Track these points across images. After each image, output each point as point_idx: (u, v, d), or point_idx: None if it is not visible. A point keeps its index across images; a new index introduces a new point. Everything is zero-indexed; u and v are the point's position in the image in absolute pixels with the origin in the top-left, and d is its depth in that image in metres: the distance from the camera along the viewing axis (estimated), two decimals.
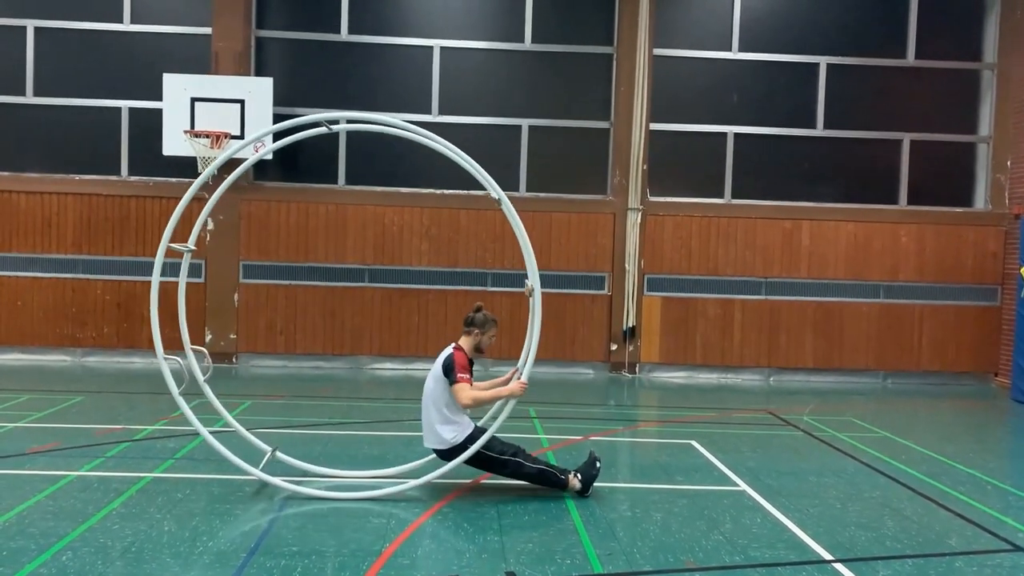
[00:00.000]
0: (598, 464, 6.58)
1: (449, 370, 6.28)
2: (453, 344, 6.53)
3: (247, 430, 6.94)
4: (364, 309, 12.93)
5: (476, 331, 6.52)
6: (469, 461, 6.31)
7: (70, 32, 12.85)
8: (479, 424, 6.56)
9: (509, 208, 6.46)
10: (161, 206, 12.81)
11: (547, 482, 6.46)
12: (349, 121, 7.22)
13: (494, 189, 6.45)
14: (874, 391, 12.78)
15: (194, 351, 6.62)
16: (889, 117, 13.46)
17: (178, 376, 6.39)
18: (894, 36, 13.41)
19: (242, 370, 12.66)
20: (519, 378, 6.51)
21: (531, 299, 6.53)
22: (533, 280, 6.46)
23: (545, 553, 5.26)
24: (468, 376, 6.27)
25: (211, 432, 6.68)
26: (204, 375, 6.52)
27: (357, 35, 13.07)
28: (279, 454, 6.75)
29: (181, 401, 6.30)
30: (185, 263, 6.70)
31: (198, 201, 12.87)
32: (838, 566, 5.21)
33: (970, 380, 13.33)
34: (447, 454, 6.37)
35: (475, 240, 12.97)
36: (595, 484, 6.52)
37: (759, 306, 13.19)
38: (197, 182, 6.53)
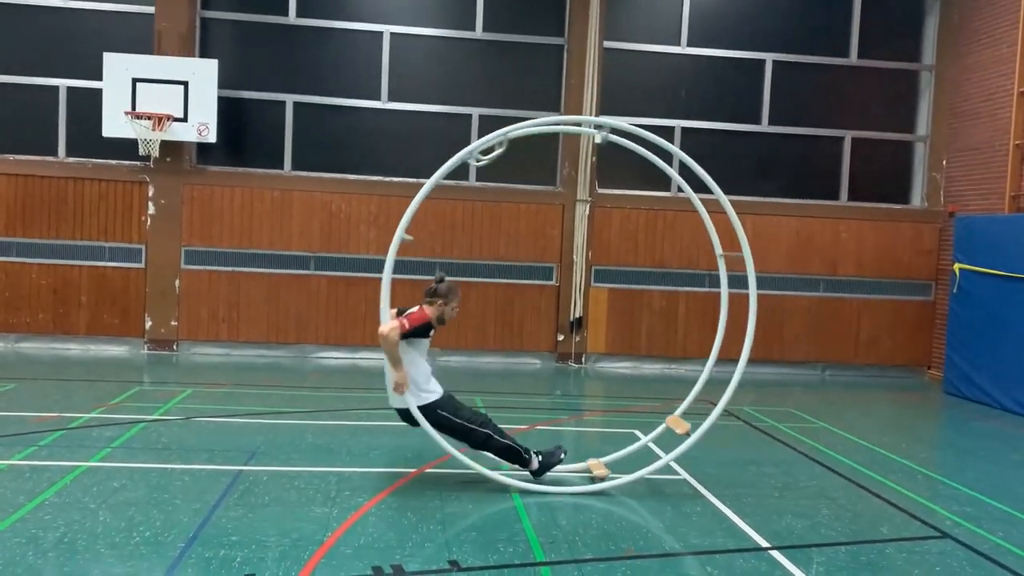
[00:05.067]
0: (562, 456, 6.61)
1: (405, 312, 6.21)
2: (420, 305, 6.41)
3: (187, 418, 6.81)
4: (310, 297, 12.78)
5: (440, 301, 6.42)
6: (439, 429, 6.24)
7: (7, 7, 12.40)
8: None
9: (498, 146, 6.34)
10: (100, 188, 12.47)
11: (513, 458, 6.46)
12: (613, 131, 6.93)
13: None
14: (813, 383, 13.08)
15: None
16: (832, 114, 13.74)
17: None
18: (838, 35, 13.68)
19: (183, 358, 12.42)
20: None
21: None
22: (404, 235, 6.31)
23: (488, 542, 5.28)
24: (408, 325, 6.06)
25: (150, 420, 6.54)
26: None
27: (305, 18, 12.86)
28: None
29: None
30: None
31: (139, 185, 12.66)
32: (774, 553, 5.33)
33: (905, 373, 13.72)
34: (401, 412, 6.29)
35: (424, 229, 12.88)
36: (528, 472, 6.54)
37: (703, 298, 13.38)
38: None
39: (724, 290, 5.80)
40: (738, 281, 13.43)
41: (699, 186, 13.70)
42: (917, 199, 13.92)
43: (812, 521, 6.03)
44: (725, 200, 6.58)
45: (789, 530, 5.81)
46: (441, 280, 6.47)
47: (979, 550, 5.57)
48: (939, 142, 13.65)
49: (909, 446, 8.73)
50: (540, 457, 6.52)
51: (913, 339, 13.69)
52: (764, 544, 5.48)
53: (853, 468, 7.57)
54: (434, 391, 6.30)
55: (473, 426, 6.32)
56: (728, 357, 13.32)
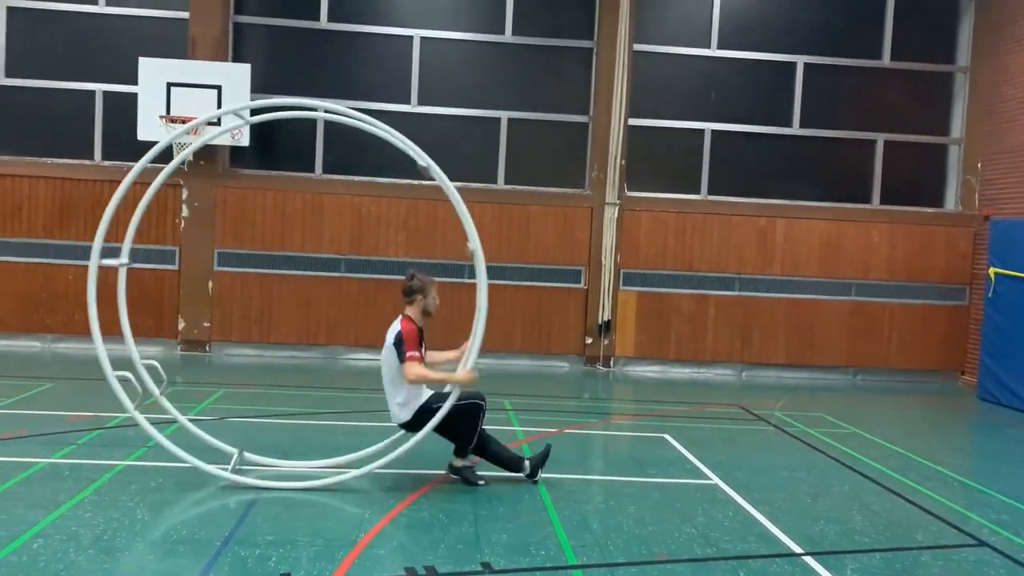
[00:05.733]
0: (480, 483, 6.54)
1: (399, 344, 6.22)
2: (400, 316, 6.47)
3: (221, 418, 6.90)
4: (340, 299, 12.88)
5: (419, 297, 6.48)
6: (438, 429, 6.28)
7: (44, 13, 12.64)
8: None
9: (440, 175, 6.34)
10: (134, 191, 12.51)
11: (465, 437, 6.46)
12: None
13: (421, 158, 6.31)
14: (844, 388, 12.96)
15: (146, 367, 6.47)
16: (864, 117, 13.61)
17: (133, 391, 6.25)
18: (870, 37, 13.55)
19: (215, 358, 12.57)
20: (466, 366, 6.38)
21: (477, 289, 6.37)
22: (473, 243, 6.33)
23: (520, 544, 5.29)
24: (417, 353, 6.18)
25: (185, 419, 6.63)
26: (160, 390, 6.42)
27: (336, 23, 12.97)
28: (247, 455, 6.64)
29: (139, 417, 6.17)
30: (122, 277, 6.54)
31: (173, 188, 12.80)
32: (808, 559, 5.30)
33: (938, 378, 13.55)
34: (410, 425, 6.37)
35: (452, 232, 12.94)
36: (559, 475, 6.57)
37: (733, 302, 13.30)
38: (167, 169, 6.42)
39: (482, 282, 5.91)
40: (759, 285, 13.44)
41: (731, 189, 13.64)
42: (951, 203, 13.75)
43: (846, 527, 5.98)
44: (453, 191, 6.43)
45: (823, 536, 5.77)
46: (412, 277, 6.48)
47: (1017, 559, 5.49)
48: (974, 145, 13.48)
49: (943, 452, 8.62)
50: (471, 465, 6.55)
51: (947, 344, 13.51)
52: (798, 550, 5.44)
53: (886, 474, 7.49)
54: (423, 395, 6.39)
55: (476, 425, 6.38)
56: (758, 361, 13.21)
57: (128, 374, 6.21)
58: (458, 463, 6.56)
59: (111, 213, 6.22)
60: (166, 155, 12.23)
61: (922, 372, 13.54)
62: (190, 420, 6.93)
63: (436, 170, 6.33)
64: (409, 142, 6.38)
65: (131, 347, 6.47)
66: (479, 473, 6.60)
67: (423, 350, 6.35)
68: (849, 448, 8.45)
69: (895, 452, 8.41)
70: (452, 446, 6.57)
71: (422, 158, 6.29)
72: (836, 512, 6.33)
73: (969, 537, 5.90)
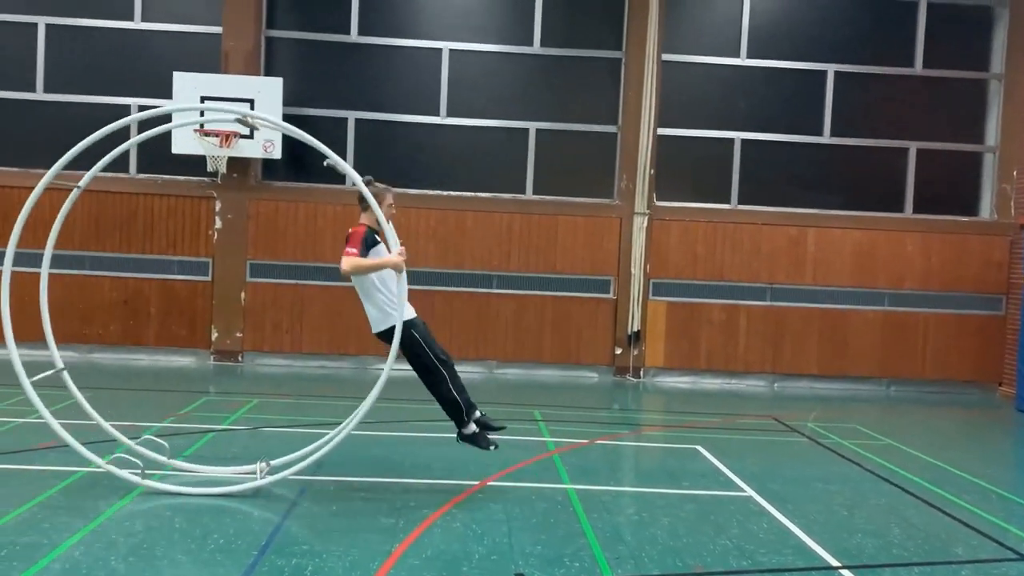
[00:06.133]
0: (491, 449, 6.61)
1: (345, 242, 6.30)
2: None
3: (254, 428, 6.96)
4: None
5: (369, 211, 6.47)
6: (404, 352, 6.36)
7: (81, 29, 12.90)
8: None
9: (340, 163, 6.27)
10: (169, 204, 12.85)
11: (453, 413, 6.54)
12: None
13: (331, 157, 6.24)
14: (878, 398, 12.81)
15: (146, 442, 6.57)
16: (896, 125, 13.49)
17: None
18: (902, 45, 13.44)
19: (247, 369, 12.69)
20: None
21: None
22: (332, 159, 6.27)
23: (554, 556, 5.28)
24: (355, 250, 6.24)
25: (220, 430, 6.70)
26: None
27: (367, 36, 13.10)
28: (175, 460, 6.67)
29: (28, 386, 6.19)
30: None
31: (206, 200, 12.99)
32: (845, 572, 5.24)
33: (974, 389, 13.35)
34: (386, 335, 6.45)
35: (481, 242, 13.00)
36: (591, 487, 6.56)
37: (764, 312, 13.21)
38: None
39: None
40: (791, 295, 13.32)
41: (761, 198, 13.56)
42: (986, 211, 13.57)
43: (883, 540, 5.91)
44: (363, 184, 6.33)
45: (860, 549, 5.70)
46: (369, 182, 6.43)
47: None
48: (1009, 153, 13.30)
49: (981, 464, 8.48)
50: (476, 429, 6.57)
51: (983, 354, 13.31)
52: (835, 563, 5.38)
53: (923, 487, 7.39)
54: (411, 313, 6.44)
55: (438, 363, 6.43)
56: (790, 371, 13.10)
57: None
58: (467, 431, 6.58)
59: (23, 220, 6.22)
60: (199, 167, 12.48)
61: (957, 383, 13.35)
62: (223, 429, 6.99)
63: (338, 161, 6.27)
64: (317, 142, 6.33)
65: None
66: (490, 437, 6.63)
67: (376, 249, 6.33)
68: (884, 460, 8.35)
69: (931, 464, 8.30)
70: (485, 453, 6.61)
71: (331, 157, 6.24)
72: (873, 525, 6.25)
73: (1009, 551, 5.80)
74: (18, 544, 5.05)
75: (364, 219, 6.53)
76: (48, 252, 6.56)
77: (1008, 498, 7.27)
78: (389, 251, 6.40)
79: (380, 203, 6.39)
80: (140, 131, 6.96)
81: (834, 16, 13.42)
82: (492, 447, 6.65)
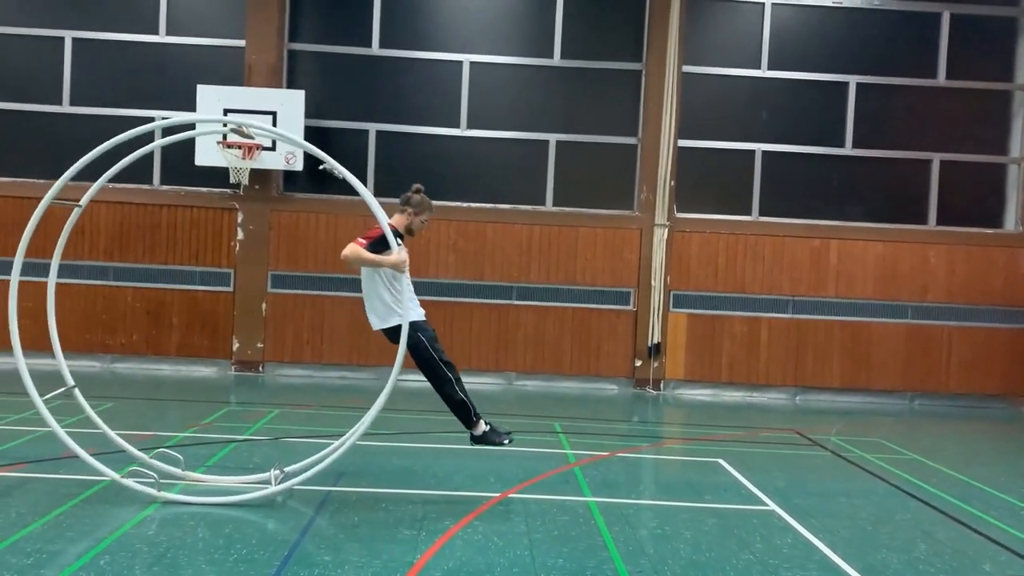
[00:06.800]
0: (506, 442, 6.65)
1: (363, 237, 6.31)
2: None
3: (276, 439, 6.98)
4: None
5: (410, 211, 6.56)
6: (412, 353, 6.35)
7: (107, 43, 13.07)
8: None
9: (343, 172, 6.12)
10: (192, 215, 12.97)
11: (462, 414, 6.55)
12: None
13: (329, 163, 6.16)
14: (901, 412, 12.67)
15: (160, 455, 6.61)
16: (919, 137, 13.40)
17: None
18: (925, 56, 13.36)
19: (268, 379, 12.75)
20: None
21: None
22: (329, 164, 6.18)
23: (576, 569, 5.25)
24: (364, 242, 6.26)
25: (241, 440, 6.73)
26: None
27: (388, 49, 13.19)
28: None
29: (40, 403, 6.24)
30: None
31: (229, 212, 13.10)
32: None
33: (1000, 403, 13.18)
34: (390, 333, 6.48)
35: (501, 253, 13.02)
36: (613, 500, 6.53)
37: (786, 324, 13.13)
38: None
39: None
40: (813, 307, 13.23)
41: (783, 210, 13.48)
42: (1011, 223, 13.44)
43: (909, 556, 5.83)
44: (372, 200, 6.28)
45: (885, 564, 5.62)
46: (418, 190, 6.51)
47: None
48: None
49: (1008, 480, 8.36)
50: (487, 427, 6.57)
51: (1009, 368, 13.15)
52: None
53: (949, 502, 7.29)
54: (421, 314, 6.47)
55: (443, 365, 6.43)
56: (812, 384, 12.98)
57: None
58: (477, 432, 6.60)
59: (31, 231, 6.25)
60: (222, 179, 12.58)
61: (983, 397, 13.19)
62: (244, 439, 7.01)
63: (340, 169, 6.16)
64: (317, 150, 6.32)
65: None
66: (501, 432, 6.65)
67: (387, 252, 6.25)
68: (909, 475, 8.25)
69: (957, 479, 8.19)
70: (506, 464, 6.62)
71: (329, 162, 6.19)
72: (898, 540, 6.17)
73: None
74: (45, 552, 5.09)
75: (395, 219, 6.58)
76: (55, 264, 6.60)
77: None
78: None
79: (421, 211, 6.51)
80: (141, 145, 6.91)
81: (856, 27, 13.37)
82: (507, 439, 6.68)
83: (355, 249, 6.28)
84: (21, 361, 6.26)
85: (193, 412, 9.73)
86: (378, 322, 6.61)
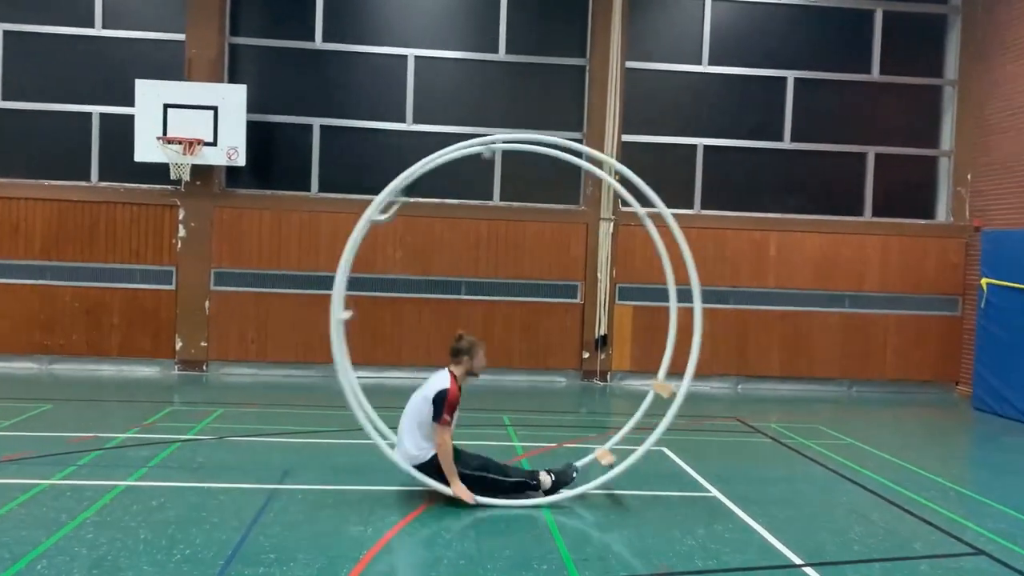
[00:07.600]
0: (574, 474, 6.71)
1: (440, 403, 6.27)
2: (447, 370, 6.51)
3: (220, 438, 6.92)
4: None
5: (465, 358, 6.57)
6: (444, 481, 6.33)
7: (41, 36, 12.72)
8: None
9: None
10: (132, 212, 12.71)
11: (524, 490, 6.55)
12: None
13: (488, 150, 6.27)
14: (840, 399, 13.02)
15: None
16: (854, 131, 13.75)
17: None
18: (860, 52, 13.71)
19: (213, 378, 12.58)
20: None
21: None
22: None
23: (522, 559, 5.32)
24: (450, 419, 6.29)
25: (185, 440, 6.65)
26: None
27: (331, 43, 13.08)
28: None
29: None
30: None
31: (170, 208, 12.86)
32: (808, 570, 5.33)
33: (933, 389, 13.62)
34: (425, 467, 6.41)
35: (449, 249, 13.02)
36: (568, 490, 6.60)
37: (728, 315, 13.38)
38: None
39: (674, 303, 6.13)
40: (754, 298, 13.51)
41: (724, 203, 13.68)
42: (942, 214, 13.88)
43: (845, 538, 6.03)
44: (668, 215, 6.51)
45: (822, 547, 5.80)
46: (460, 338, 6.59)
47: (1015, 567, 5.54)
48: (964, 157, 13.62)
49: (940, 463, 8.67)
50: (552, 476, 6.60)
51: (941, 354, 13.60)
52: (798, 561, 5.48)
53: (884, 485, 7.54)
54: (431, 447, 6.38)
55: (477, 473, 6.43)
56: (753, 374, 13.24)
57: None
58: (546, 487, 6.56)
59: None
60: (162, 175, 12.35)
61: (917, 383, 13.62)
62: (188, 439, 6.93)
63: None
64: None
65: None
66: (560, 470, 6.69)
67: (456, 415, 6.38)
68: (846, 459, 8.50)
69: (892, 463, 8.46)
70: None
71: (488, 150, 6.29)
72: (835, 523, 6.37)
73: (967, 546, 5.94)
74: None
75: (454, 369, 6.54)
76: None
77: (966, 494, 7.44)
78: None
79: (472, 356, 6.54)
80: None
81: (793, 24, 13.66)
82: (574, 473, 6.70)
83: (446, 443, 6.25)
84: None
85: (136, 413, 9.56)
86: (415, 459, 6.38)
